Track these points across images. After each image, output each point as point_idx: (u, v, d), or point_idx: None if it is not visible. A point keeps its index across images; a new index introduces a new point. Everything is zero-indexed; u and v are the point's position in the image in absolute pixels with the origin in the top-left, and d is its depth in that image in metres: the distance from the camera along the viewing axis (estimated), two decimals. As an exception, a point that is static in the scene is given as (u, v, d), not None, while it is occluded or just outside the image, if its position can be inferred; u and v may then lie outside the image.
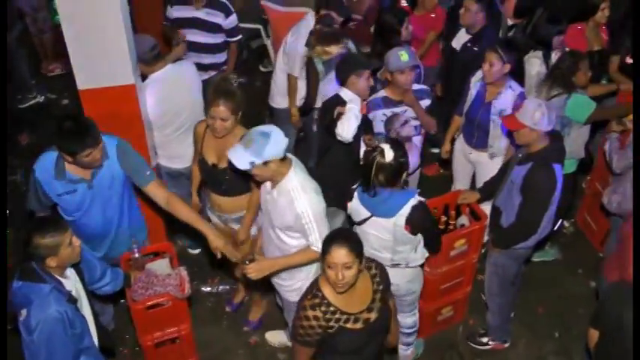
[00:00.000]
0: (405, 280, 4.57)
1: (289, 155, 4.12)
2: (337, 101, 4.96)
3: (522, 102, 5.14)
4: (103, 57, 4.58)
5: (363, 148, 5.11)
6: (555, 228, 5.67)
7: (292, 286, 4.47)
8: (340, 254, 3.34)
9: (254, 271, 4.16)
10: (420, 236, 4.35)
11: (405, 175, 4.16)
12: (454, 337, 5.60)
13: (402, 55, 5.04)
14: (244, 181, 4.67)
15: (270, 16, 7.71)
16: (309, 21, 5.96)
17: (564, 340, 5.56)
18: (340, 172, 5.12)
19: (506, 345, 5.46)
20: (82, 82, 4.66)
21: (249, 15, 8.21)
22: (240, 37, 6.75)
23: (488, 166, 5.65)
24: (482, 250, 5.41)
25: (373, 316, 3.58)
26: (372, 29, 6.54)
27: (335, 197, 4.93)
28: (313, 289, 3.57)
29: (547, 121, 4.38)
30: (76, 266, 3.89)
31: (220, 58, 6.66)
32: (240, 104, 4.47)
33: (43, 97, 8.62)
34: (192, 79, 5.60)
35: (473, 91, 5.61)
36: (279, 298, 4.87)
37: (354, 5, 6.74)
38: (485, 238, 5.36)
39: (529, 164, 4.49)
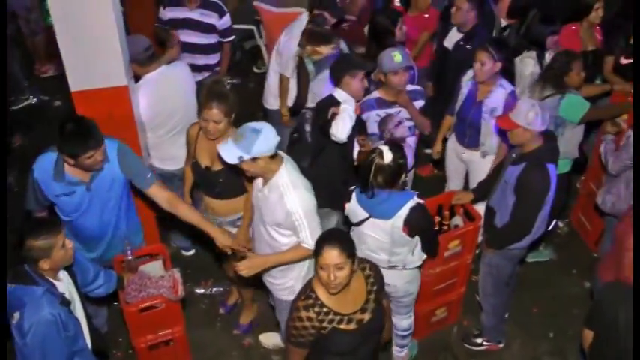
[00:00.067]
0: (403, 281, 4.56)
1: (280, 153, 4.13)
2: (331, 102, 4.95)
3: (515, 101, 5.19)
4: (95, 58, 4.56)
5: (356, 149, 5.10)
6: (549, 228, 5.67)
7: (284, 284, 4.47)
8: (332, 255, 3.34)
9: (245, 268, 4.19)
10: (417, 238, 4.35)
11: (403, 176, 4.16)
12: (448, 338, 5.59)
13: (395, 56, 5.04)
14: (238, 184, 4.68)
15: (263, 17, 7.71)
16: (303, 21, 5.95)
17: (559, 340, 5.56)
18: (334, 172, 5.11)
19: (501, 345, 5.46)
20: (75, 84, 4.64)
21: (242, 16, 8.20)
22: (233, 37, 6.75)
23: (481, 164, 5.69)
24: (477, 251, 5.40)
25: (367, 316, 3.57)
26: (365, 30, 6.53)
27: (329, 198, 4.93)
28: (307, 289, 3.57)
29: (540, 121, 4.38)
30: (68, 268, 3.87)
31: (214, 58, 6.66)
32: (233, 106, 4.45)
33: (36, 99, 8.60)
34: (186, 80, 5.58)
35: (464, 91, 5.62)
36: (272, 297, 4.86)
37: (348, 6, 6.73)
38: (480, 238, 5.36)
39: (523, 164, 4.49)
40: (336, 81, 5.01)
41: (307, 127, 5.36)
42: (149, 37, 5.47)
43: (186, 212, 4.52)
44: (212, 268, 6.01)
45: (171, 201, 4.51)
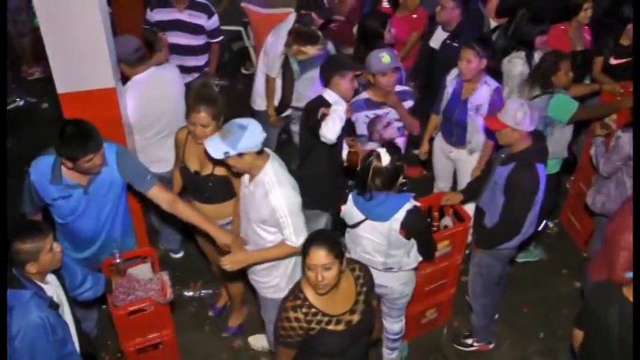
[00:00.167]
0: (398, 283, 4.55)
1: (267, 150, 4.13)
2: (321, 103, 4.94)
3: (500, 97, 5.30)
4: (82, 60, 4.53)
5: (345, 150, 5.08)
6: (540, 228, 5.68)
7: (269, 282, 4.46)
8: (319, 255, 3.33)
9: (229, 263, 4.21)
10: (413, 240, 4.34)
11: (400, 178, 4.15)
12: (439, 339, 5.59)
13: (383, 57, 5.03)
14: (227, 188, 4.68)
15: (251, 18, 7.68)
16: (290, 22, 5.94)
17: (549, 340, 5.56)
18: (323, 173, 5.11)
19: (491, 346, 5.46)
20: (62, 86, 4.61)
21: (230, 17, 8.18)
22: (221, 37, 6.73)
23: (468, 162, 5.74)
24: (466, 252, 5.40)
25: (356, 318, 3.57)
26: (354, 30, 6.53)
27: (318, 199, 4.92)
28: (295, 290, 3.57)
29: (529, 121, 4.37)
30: (56, 272, 3.84)
31: (202, 60, 6.65)
32: (221, 110, 4.43)
33: (23, 101, 8.57)
34: (175, 82, 5.55)
35: (449, 90, 5.65)
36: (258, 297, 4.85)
37: (336, 6, 6.73)
38: (469, 239, 5.35)
39: (512, 164, 4.48)
40: (326, 81, 5.00)
41: (294, 128, 5.35)
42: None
43: (187, 213, 4.50)
44: (201, 270, 5.99)
45: (172, 202, 4.49)
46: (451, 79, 5.63)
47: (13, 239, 3.51)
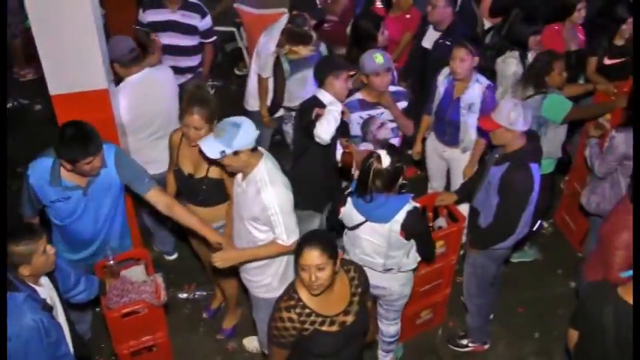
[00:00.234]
0: (398, 283, 4.55)
1: (260, 148, 4.14)
2: (315, 103, 4.93)
3: (492, 94, 5.31)
4: (74, 61, 4.50)
5: (339, 151, 5.07)
6: (534, 228, 5.67)
7: (261, 281, 4.46)
8: (312, 256, 3.33)
9: (220, 260, 4.21)
10: (412, 241, 4.33)
11: (401, 179, 4.14)
12: (434, 340, 5.58)
13: (376, 58, 5.02)
14: (221, 191, 4.67)
15: (243, 18, 7.67)
16: (283, 22, 5.92)
17: (544, 340, 5.56)
18: (317, 174, 5.10)
19: (486, 346, 5.46)
20: (54, 88, 4.58)
21: (223, 18, 8.17)
22: (215, 37, 6.72)
23: (462, 161, 5.75)
24: (461, 252, 5.39)
25: (350, 319, 3.56)
26: (348, 30, 6.51)
27: (311, 200, 4.91)
28: (290, 290, 3.57)
29: (523, 121, 4.37)
30: (50, 274, 3.82)
31: (196, 60, 6.62)
32: (214, 113, 4.41)
33: (15, 103, 8.53)
34: (169, 84, 5.53)
35: (441, 89, 5.65)
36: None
37: (330, 6, 6.72)
38: (464, 239, 5.35)
39: (506, 164, 4.48)
40: (320, 82, 5.00)
41: (287, 128, 5.33)
42: (131, 40, 5.43)
43: (184, 216, 4.49)
44: (195, 272, 5.98)
45: (169, 205, 4.48)
46: (442, 79, 5.63)
47: (6, 241, 3.49)
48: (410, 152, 6.29)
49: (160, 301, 4.45)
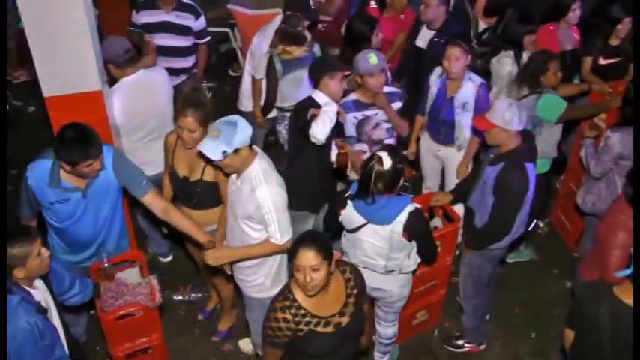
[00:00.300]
0: (398, 285, 4.54)
1: (255, 147, 4.14)
2: (310, 103, 4.92)
3: (486, 92, 5.30)
4: (68, 63, 4.49)
5: (334, 152, 5.06)
6: (530, 228, 5.67)
7: (254, 281, 4.45)
8: (307, 256, 3.32)
9: (212, 258, 4.22)
10: (413, 243, 4.32)
11: (402, 181, 4.14)
12: (430, 340, 5.57)
13: (370, 58, 5.01)
14: (215, 195, 4.67)
15: (237, 19, 7.67)
16: (276, 23, 5.92)
17: (540, 340, 5.56)
18: (312, 174, 5.09)
19: (482, 347, 5.45)
20: (48, 89, 4.56)
21: (216, 19, 8.16)
22: (209, 38, 6.70)
23: (456, 159, 5.76)
24: (457, 252, 5.39)
25: (345, 320, 3.55)
26: (342, 30, 6.51)
27: (306, 200, 4.90)
28: (285, 291, 3.56)
29: (518, 120, 4.37)
30: (44, 277, 3.80)
31: (190, 61, 6.62)
32: (209, 115, 4.38)
33: (8, 105, 8.46)
34: (164, 86, 5.52)
35: (433, 89, 5.65)
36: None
37: (324, 7, 6.72)
38: (459, 239, 5.34)
39: (501, 164, 4.48)
40: (315, 82, 4.98)
41: (280, 128, 5.31)
42: (125, 41, 5.41)
43: (180, 221, 4.49)
44: (190, 274, 5.96)
45: (166, 210, 4.48)
46: (434, 79, 5.64)
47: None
48: (405, 153, 6.29)
49: (155, 303, 4.44)
